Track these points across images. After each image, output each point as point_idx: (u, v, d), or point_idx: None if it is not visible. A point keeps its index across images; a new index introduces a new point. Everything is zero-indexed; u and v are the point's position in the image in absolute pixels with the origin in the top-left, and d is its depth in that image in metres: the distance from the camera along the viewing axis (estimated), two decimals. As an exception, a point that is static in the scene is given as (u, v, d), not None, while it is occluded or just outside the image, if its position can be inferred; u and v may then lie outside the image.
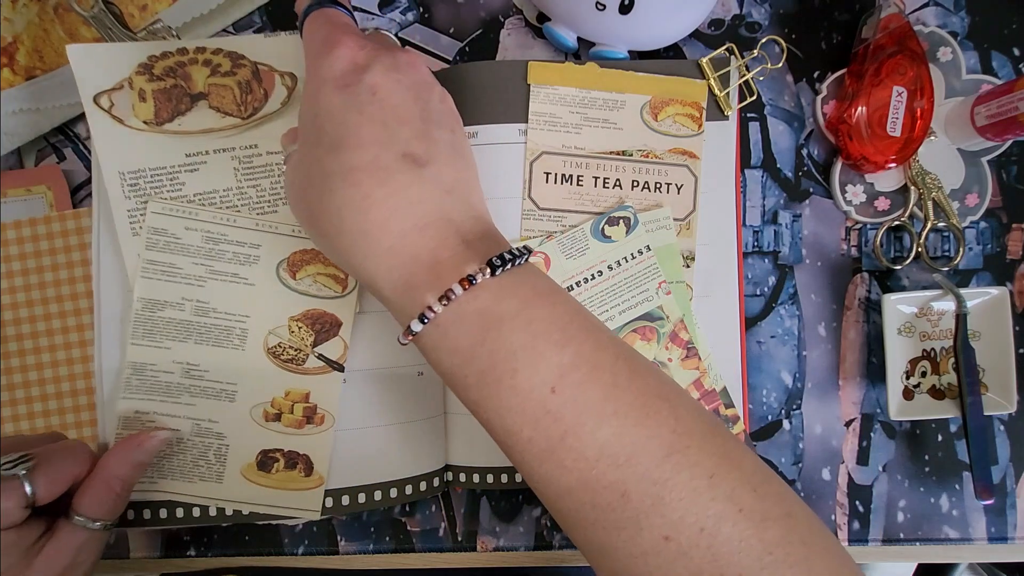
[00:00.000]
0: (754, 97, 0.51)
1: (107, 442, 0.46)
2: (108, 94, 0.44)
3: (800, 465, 0.52)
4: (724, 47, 0.50)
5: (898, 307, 0.50)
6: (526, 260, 0.34)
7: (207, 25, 0.51)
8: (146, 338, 0.45)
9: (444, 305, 0.32)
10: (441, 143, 0.35)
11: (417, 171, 0.33)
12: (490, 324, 0.31)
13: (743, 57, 0.51)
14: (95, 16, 0.45)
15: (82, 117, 0.50)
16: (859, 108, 0.49)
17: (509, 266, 0.33)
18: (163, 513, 0.46)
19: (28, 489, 0.38)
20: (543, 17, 0.52)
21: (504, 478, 0.49)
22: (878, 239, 0.52)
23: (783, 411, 0.52)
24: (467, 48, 0.53)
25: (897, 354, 0.50)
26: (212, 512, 0.46)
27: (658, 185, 0.50)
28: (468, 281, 0.31)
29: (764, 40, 0.52)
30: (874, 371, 0.52)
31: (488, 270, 0.32)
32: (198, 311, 0.45)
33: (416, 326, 0.32)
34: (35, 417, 0.49)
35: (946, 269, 0.52)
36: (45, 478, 0.39)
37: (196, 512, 0.46)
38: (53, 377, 0.49)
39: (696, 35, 0.53)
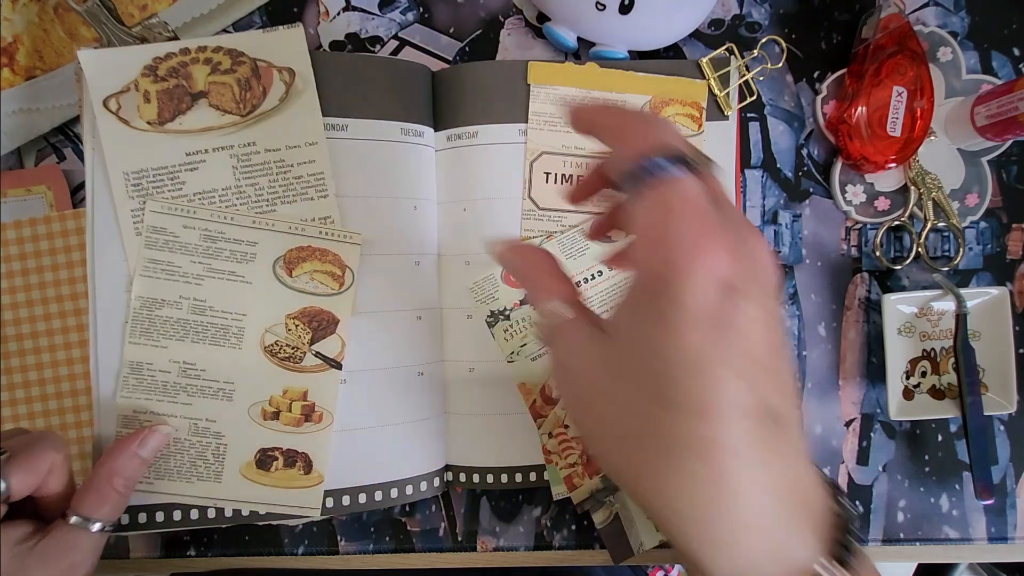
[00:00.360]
0: (754, 97, 0.51)
1: (107, 439, 0.45)
2: (116, 97, 0.44)
3: (800, 465, 0.51)
4: (724, 47, 0.50)
5: (898, 307, 0.50)
6: (848, 530, 0.28)
7: (207, 25, 0.51)
8: (143, 337, 0.45)
9: None
10: (792, 379, 0.28)
11: (775, 437, 0.26)
12: None
13: (743, 57, 0.51)
14: (89, 11, 0.45)
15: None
16: (859, 108, 0.49)
17: (849, 552, 0.27)
18: (160, 517, 0.46)
19: (1, 484, 0.37)
20: (543, 17, 0.52)
21: (504, 478, 0.49)
22: (878, 239, 0.52)
23: (783, 411, 0.52)
24: (467, 48, 0.53)
25: (897, 354, 0.50)
26: (211, 515, 0.46)
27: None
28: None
29: (764, 40, 0.52)
30: (874, 371, 0.52)
31: (837, 563, 0.26)
32: (195, 309, 0.45)
33: None
34: (35, 417, 0.49)
35: (946, 269, 0.52)
36: (19, 470, 0.38)
37: (194, 515, 0.46)
38: (53, 377, 0.49)
39: (696, 35, 0.53)
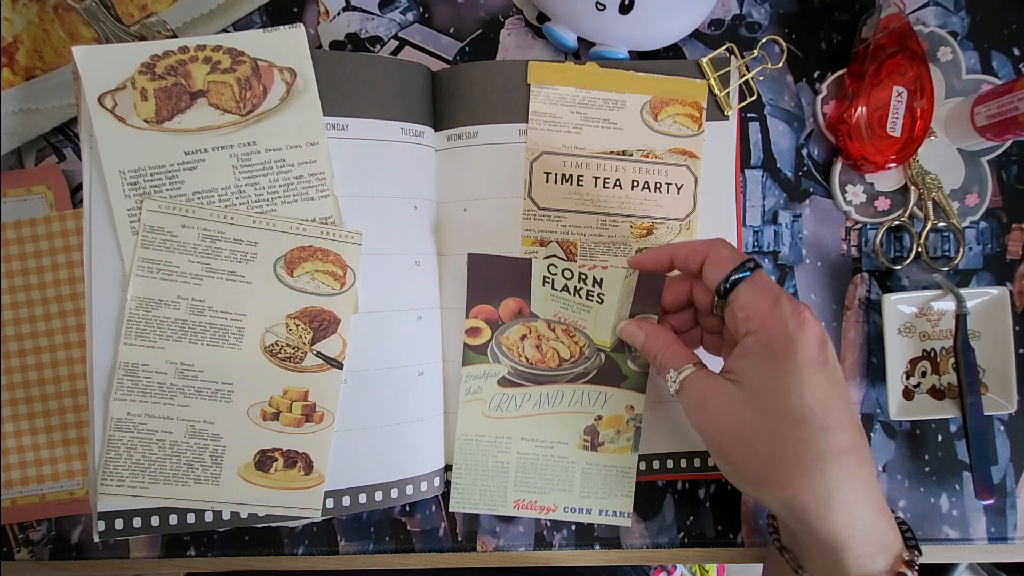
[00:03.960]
0: (754, 97, 0.51)
1: (102, 442, 0.45)
2: (112, 94, 0.44)
3: (800, 465, 0.52)
4: (724, 47, 0.50)
5: (898, 307, 0.50)
6: (908, 527, 0.41)
7: (207, 25, 0.51)
8: (139, 338, 0.45)
9: None
10: None
11: (867, 447, 0.38)
12: None
13: (743, 57, 0.51)
14: (88, 9, 0.45)
15: (82, 117, 0.50)
16: (859, 108, 0.49)
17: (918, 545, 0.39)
18: (155, 520, 0.46)
19: None
20: (543, 17, 0.52)
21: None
22: (878, 239, 0.52)
23: (783, 411, 0.52)
24: (467, 48, 0.53)
25: (897, 354, 0.50)
26: (208, 518, 0.46)
27: (658, 185, 0.50)
28: (911, 567, 0.38)
29: (764, 40, 0.52)
30: (874, 371, 0.52)
31: (917, 553, 0.38)
32: (194, 310, 0.45)
33: None
34: (35, 417, 0.49)
35: (946, 269, 0.52)
36: None
37: (191, 519, 0.46)
38: (53, 377, 0.49)
39: (696, 35, 0.53)
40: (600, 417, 0.48)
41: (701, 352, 0.46)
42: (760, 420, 0.38)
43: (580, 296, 0.47)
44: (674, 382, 0.42)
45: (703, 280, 0.42)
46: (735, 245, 0.49)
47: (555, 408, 0.48)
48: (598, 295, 0.47)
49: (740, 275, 0.39)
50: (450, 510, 0.49)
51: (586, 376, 0.48)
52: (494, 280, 0.47)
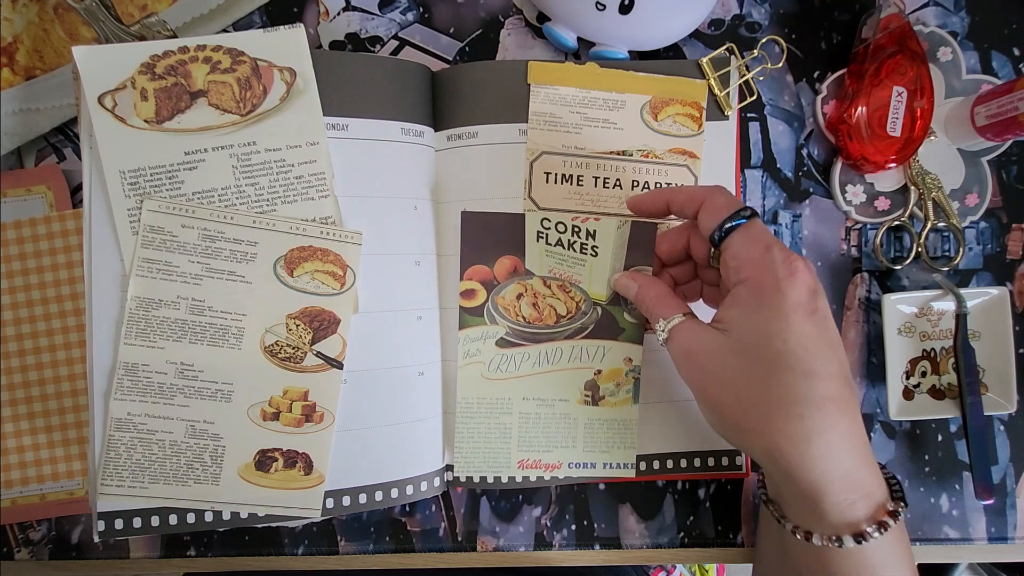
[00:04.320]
0: (754, 97, 0.51)
1: (102, 443, 0.45)
2: (112, 94, 0.44)
3: (800, 465, 0.52)
4: (724, 47, 0.50)
5: (898, 307, 0.50)
6: (898, 480, 0.41)
7: (207, 25, 0.51)
8: (139, 338, 0.45)
9: (880, 533, 0.38)
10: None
11: (852, 397, 0.38)
12: (896, 553, 0.39)
13: (743, 57, 0.51)
14: (88, 9, 0.45)
15: (82, 117, 0.51)
16: (859, 108, 0.49)
17: (904, 497, 0.40)
18: (155, 521, 0.46)
19: None
20: (543, 17, 0.52)
21: (504, 478, 0.49)
22: (878, 239, 0.52)
23: (783, 411, 0.52)
24: (467, 48, 0.53)
25: (897, 354, 0.50)
26: (208, 518, 0.46)
27: (658, 185, 0.50)
28: (895, 517, 0.38)
29: (764, 40, 0.52)
30: (874, 371, 0.52)
31: (902, 504, 0.39)
32: (194, 310, 0.45)
33: (850, 542, 0.38)
34: (35, 417, 0.49)
35: (946, 269, 0.52)
36: None
37: (191, 519, 0.46)
38: (53, 377, 0.49)
39: (696, 35, 0.53)
40: (600, 371, 0.49)
41: (701, 307, 0.46)
42: (744, 366, 0.38)
43: (574, 250, 0.48)
44: (663, 331, 0.42)
45: (699, 228, 0.42)
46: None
47: (555, 366, 0.49)
48: (592, 248, 0.47)
49: (734, 223, 0.39)
50: (455, 475, 0.49)
51: (584, 331, 0.48)
52: (488, 238, 0.48)
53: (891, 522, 0.38)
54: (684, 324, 0.41)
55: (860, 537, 0.37)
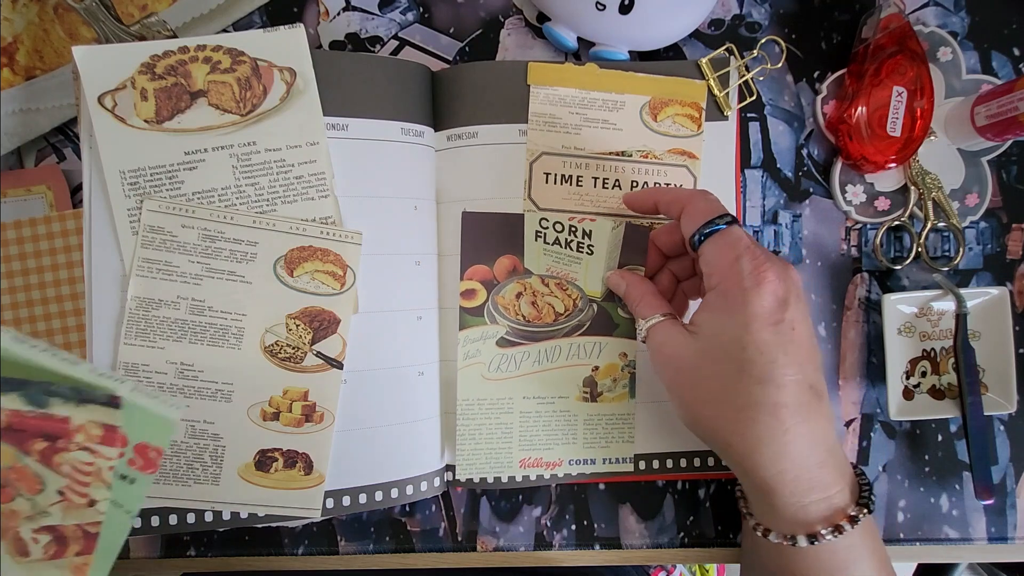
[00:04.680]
0: (754, 97, 0.51)
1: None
2: (112, 94, 0.44)
3: (800, 465, 0.52)
4: (724, 47, 0.50)
5: (898, 307, 0.50)
6: (871, 491, 0.42)
7: (207, 25, 0.51)
8: (139, 338, 0.45)
9: (834, 536, 0.39)
10: (822, 369, 0.41)
11: (819, 405, 0.39)
12: (855, 557, 0.40)
13: (743, 57, 0.51)
14: (88, 9, 0.45)
15: (82, 117, 0.50)
16: (859, 108, 0.49)
17: (871, 502, 0.41)
18: (155, 521, 0.46)
19: None
20: (543, 17, 0.52)
21: (504, 478, 0.49)
22: (878, 239, 0.52)
23: (783, 411, 0.52)
24: (467, 48, 0.53)
25: (897, 354, 0.50)
26: (208, 518, 0.46)
27: (657, 186, 0.50)
28: (853, 522, 0.39)
29: (764, 40, 0.52)
30: (874, 371, 0.52)
31: (865, 511, 0.40)
32: (194, 310, 0.45)
33: (803, 542, 0.40)
34: (35, 417, 0.49)
35: (946, 269, 0.52)
36: None
37: (191, 519, 0.46)
38: (53, 377, 0.49)
39: (696, 35, 0.53)
40: (597, 367, 0.49)
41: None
42: (709, 368, 0.40)
43: (571, 248, 0.48)
44: (642, 329, 0.44)
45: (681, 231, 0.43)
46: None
47: (554, 363, 0.49)
48: (588, 246, 0.48)
49: (710, 229, 0.40)
50: (457, 476, 0.49)
51: (581, 328, 0.49)
52: (488, 238, 0.48)
53: (847, 526, 0.39)
54: (661, 324, 0.43)
55: (813, 538, 0.39)
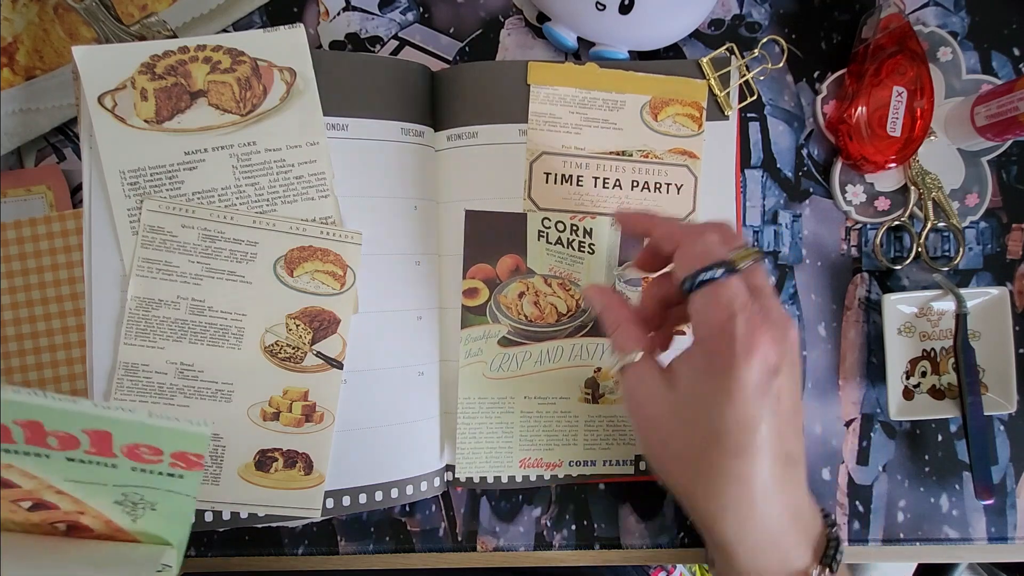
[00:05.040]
0: (754, 97, 0.51)
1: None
2: (112, 94, 0.44)
3: (800, 465, 0.52)
4: (724, 47, 0.50)
5: (898, 307, 0.50)
6: (838, 548, 0.39)
7: (207, 25, 0.51)
8: (139, 338, 0.45)
9: None
10: (802, 431, 0.39)
11: (792, 472, 0.37)
12: None
13: (743, 57, 0.51)
14: (88, 9, 0.45)
15: (82, 117, 0.50)
16: (859, 108, 0.49)
17: (835, 561, 0.38)
18: None
19: None
20: (543, 17, 0.52)
21: (504, 478, 0.49)
22: (878, 239, 0.52)
23: (783, 411, 0.52)
24: (467, 48, 0.53)
25: (897, 354, 0.50)
26: (208, 518, 0.46)
27: (658, 185, 0.50)
28: None
29: (764, 40, 0.52)
30: (874, 371, 0.52)
31: (827, 571, 0.38)
32: (194, 310, 0.45)
33: None
34: (34, 417, 0.49)
35: (946, 269, 0.52)
36: None
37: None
38: (53, 377, 0.49)
39: (696, 35, 0.53)
40: (599, 369, 0.49)
41: None
42: (679, 426, 0.37)
43: (573, 248, 0.48)
44: (617, 365, 0.40)
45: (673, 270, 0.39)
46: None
47: (556, 364, 0.49)
48: (589, 245, 0.48)
49: (704, 278, 0.36)
50: (457, 475, 0.49)
51: (583, 329, 0.49)
52: (491, 237, 0.48)
53: None
54: (638, 365, 0.39)
55: None
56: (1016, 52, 0.53)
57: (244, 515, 0.46)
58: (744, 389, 0.35)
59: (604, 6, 0.48)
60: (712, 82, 0.50)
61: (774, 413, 0.35)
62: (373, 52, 0.53)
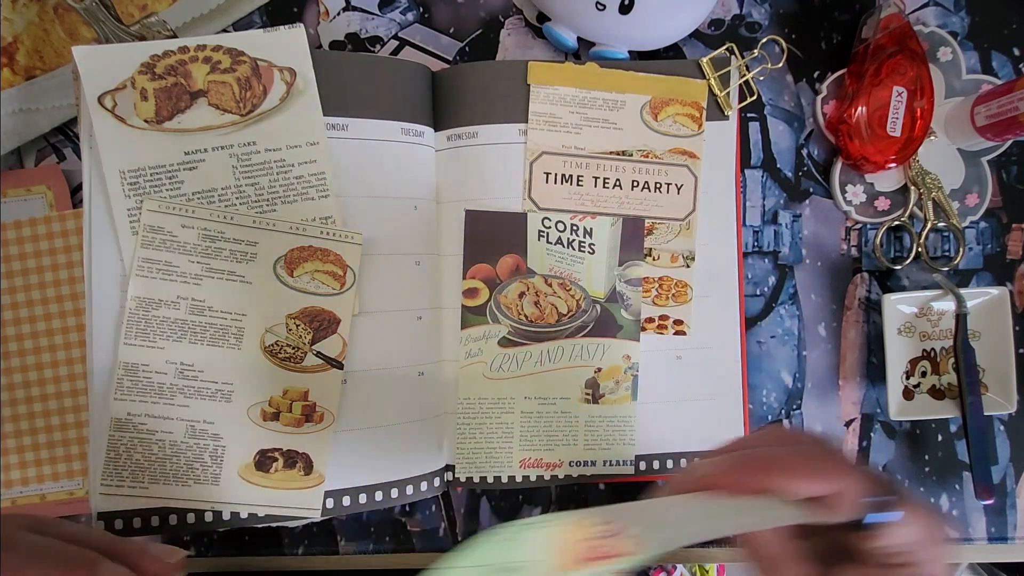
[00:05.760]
0: (754, 97, 0.51)
1: (100, 442, 0.45)
2: (112, 94, 0.44)
3: (800, 465, 0.51)
4: (724, 47, 0.50)
5: (898, 307, 0.50)
6: None
7: (207, 25, 0.51)
8: (139, 338, 0.45)
9: None
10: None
11: None
12: None
13: (743, 57, 0.51)
14: (88, 9, 0.45)
15: (82, 117, 0.50)
16: (859, 108, 0.49)
17: None
18: (155, 521, 0.46)
19: None
20: (543, 17, 0.52)
21: (504, 478, 0.49)
22: (878, 239, 0.52)
23: (783, 411, 0.52)
24: (467, 48, 0.53)
25: (897, 354, 0.50)
26: (208, 518, 0.46)
27: (658, 185, 0.50)
28: None
29: (764, 40, 0.52)
30: (874, 371, 0.52)
31: None
32: (194, 310, 0.45)
33: None
34: (35, 417, 0.49)
35: (946, 269, 0.52)
36: None
37: (191, 519, 0.46)
38: (53, 377, 0.49)
39: (696, 35, 0.53)
40: (599, 369, 0.49)
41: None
42: None
43: (573, 248, 0.48)
44: None
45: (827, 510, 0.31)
46: (735, 246, 0.49)
47: (556, 364, 0.49)
48: (589, 245, 0.48)
49: (884, 515, 0.31)
50: (457, 475, 0.49)
51: (584, 329, 0.49)
52: (491, 237, 0.48)
53: None
54: None
55: None
56: (1016, 52, 0.53)
57: (244, 515, 0.46)
58: None
59: (604, 6, 0.48)
60: (712, 82, 0.50)
61: None
62: (373, 52, 0.53)
